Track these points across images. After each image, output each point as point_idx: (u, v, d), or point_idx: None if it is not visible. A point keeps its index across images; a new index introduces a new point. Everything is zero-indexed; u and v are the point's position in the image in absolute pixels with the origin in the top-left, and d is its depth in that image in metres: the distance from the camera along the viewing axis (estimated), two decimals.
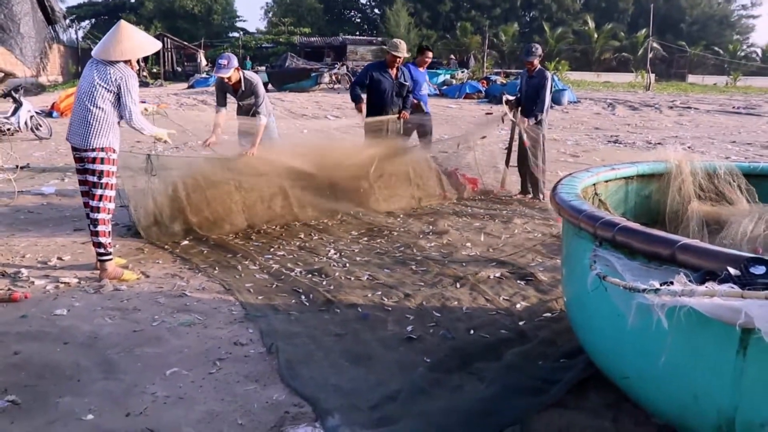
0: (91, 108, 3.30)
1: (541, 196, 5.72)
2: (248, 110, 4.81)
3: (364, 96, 5.45)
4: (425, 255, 4.04)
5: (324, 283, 3.46)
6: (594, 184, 2.76)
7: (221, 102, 4.83)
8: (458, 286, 3.41)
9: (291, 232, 4.60)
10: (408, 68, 5.60)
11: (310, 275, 3.59)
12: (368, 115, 5.52)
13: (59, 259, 3.80)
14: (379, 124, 5.37)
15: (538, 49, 5.63)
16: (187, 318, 2.98)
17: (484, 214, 5.26)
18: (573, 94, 18.26)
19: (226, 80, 4.67)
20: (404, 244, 4.29)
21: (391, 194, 5.45)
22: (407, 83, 5.51)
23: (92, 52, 3.34)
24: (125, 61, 3.32)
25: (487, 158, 6.28)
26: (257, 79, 4.83)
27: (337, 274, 3.60)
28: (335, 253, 4.07)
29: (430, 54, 6.05)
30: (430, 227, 4.77)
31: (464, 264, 3.80)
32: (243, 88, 4.73)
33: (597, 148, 9.20)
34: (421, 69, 5.92)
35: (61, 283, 3.39)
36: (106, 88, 3.29)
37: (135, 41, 3.33)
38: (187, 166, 4.47)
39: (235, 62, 4.68)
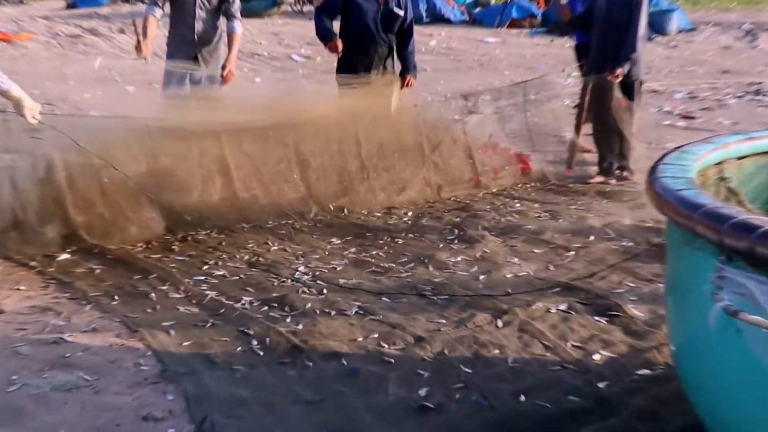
0: None
1: (626, 173, 5.77)
2: (208, 17, 5.11)
3: (336, 26, 5.45)
4: (448, 275, 4.05)
5: (288, 319, 3.46)
6: (719, 163, 2.75)
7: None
8: (500, 325, 3.40)
9: (236, 239, 4.63)
10: None
11: (265, 308, 3.60)
12: (341, 65, 5.49)
13: None
14: (363, 85, 5.39)
15: None
16: (66, 378, 2.95)
17: (541, 212, 5.27)
18: (686, 17, 17.13)
19: None
20: (414, 258, 4.31)
21: (394, 179, 5.50)
22: (402, 13, 5.39)
23: None
24: None
25: (547, 123, 6.32)
26: None
27: (308, 305, 3.60)
28: (306, 273, 4.09)
29: None
30: (456, 232, 4.78)
31: (509, 290, 3.80)
32: None
33: (725, 105, 9.20)
34: None
35: None
36: None
37: None
38: (71, 131, 4.45)
39: None
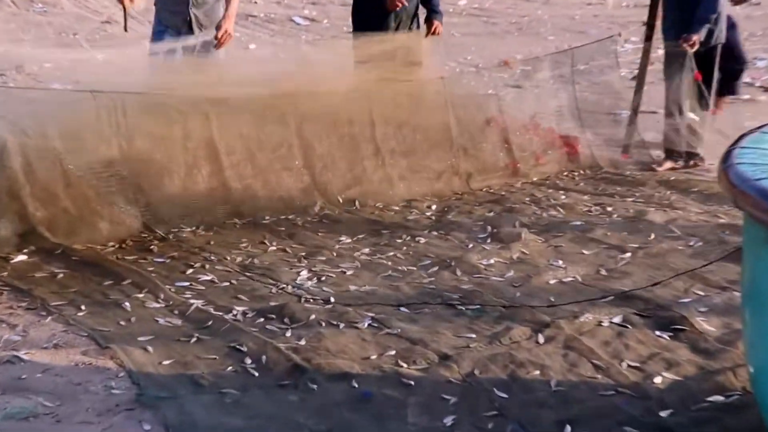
0: None
1: (696, 159, 5.75)
2: None
3: None
4: (478, 281, 4.05)
5: (288, 333, 3.46)
6: None
7: None
8: (541, 340, 3.39)
9: (226, 238, 4.65)
10: None
11: (261, 319, 3.61)
12: (356, 23, 5.58)
13: None
14: (382, 43, 5.45)
15: None
16: (22, 405, 2.93)
17: (591, 205, 5.26)
18: None
19: None
20: (439, 261, 4.32)
21: (415, 167, 5.52)
22: None
23: None
24: None
25: (599, 99, 6.30)
26: None
27: (312, 317, 3.60)
28: (309, 278, 4.09)
29: None
30: (489, 229, 4.79)
31: (552, 299, 3.80)
32: None
33: None
34: None
35: None
36: None
37: None
38: (27, 106, 4.47)
39: None
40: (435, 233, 4.75)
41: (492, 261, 4.31)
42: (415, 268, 4.22)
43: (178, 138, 4.79)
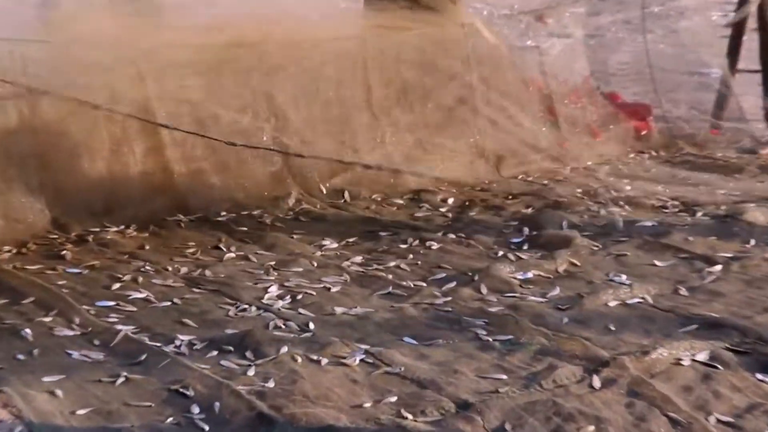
0: None
1: None
2: None
3: None
4: (511, 303, 4.05)
5: (251, 372, 3.45)
6: None
7: None
8: (597, 384, 3.37)
9: (167, 240, 4.68)
10: None
11: (214, 352, 3.60)
12: None
13: None
14: None
15: None
16: None
17: (668, 199, 5.27)
18: None
19: None
20: (457, 274, 4.33)
21: (427, 146, 5.56)
22: None
23: None
24: None
25: (680, 53, 6.26)
26: None
27: (284, 349, 3.59)
28: (281, 296, 4.10)
29: None
30: (525, 231, 4.82)
31: (611, 328, 3.80)
32: None
33: None
34: None
35: None
36: None
37: None
38: None
39: None
40: (452, 236, 4.75)
41: (530, 275, 4.30)
42: (424, 284, 4.22)
43: (99, 103, 4.76)
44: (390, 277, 4.30)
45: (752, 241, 4.64)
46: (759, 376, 3.43)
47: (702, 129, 6.09)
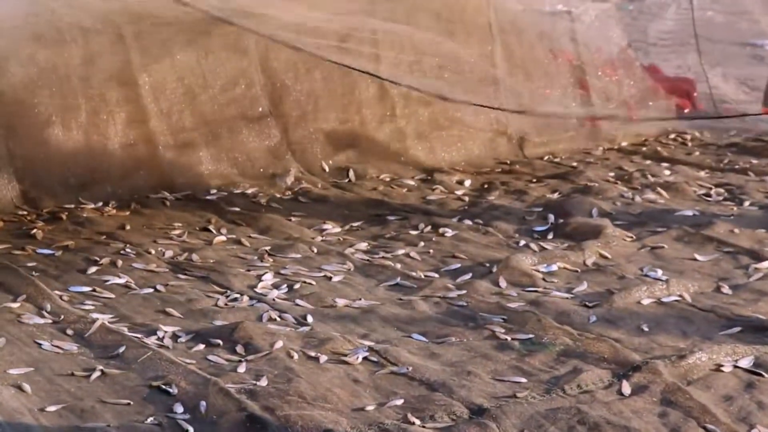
0: None
1: None
2: None
3: None
4: (533, 298, 4.07)
5: (242, 369, 3.46)
6: None
7: None
8: (626, 390, 3.37)
9: (150, 220, 4.68)
10: None
11: (201, 346, 3.62)
12: None
13: None
14: None
15: None
16: None
17: (711, 186, 5.27)
18: None
19: None
20: (473, 264, 4.34)
21: (441, 121, 5.58)
22: None
23: None
24: None
25: (731, 21, 6.22)
26: None
27: (278, 344, 3.60)
28: (276, 285, 4.12)
29: None
30: (551, 219, 4.83)
31: (644, 329, 3.81)
32: None
33: None
34: None
35: None
36: None
37: None
38: None
39: None
40: (468, 222, 4.76)
41: (554, 267, 4.32)
42: (437, 275, 4.22)
43: (75, 66, 4.78)
44: (398, 266, 4.30)
45: None
46: None
47: (754, 106, 6.05)
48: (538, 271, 4.28)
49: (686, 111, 5.99)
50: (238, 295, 4.01)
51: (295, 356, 3.52)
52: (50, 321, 3.76)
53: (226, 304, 3.95)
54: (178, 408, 3.20)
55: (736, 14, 6.33)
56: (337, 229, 4.66)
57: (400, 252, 4.45)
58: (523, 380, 3.43)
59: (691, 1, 6.13)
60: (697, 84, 6.13)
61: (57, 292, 3.96)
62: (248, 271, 4.23)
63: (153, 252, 4.36)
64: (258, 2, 4.70)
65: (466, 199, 5.11)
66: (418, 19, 5.58)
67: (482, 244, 4.55)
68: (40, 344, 3.59)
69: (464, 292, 4.09)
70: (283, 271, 4.22)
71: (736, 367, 3.52)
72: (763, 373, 3.49)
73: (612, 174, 5.40)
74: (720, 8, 6.24)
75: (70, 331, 3.68)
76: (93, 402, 3.26)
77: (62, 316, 3.78)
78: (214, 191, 4.98)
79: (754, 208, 4.99)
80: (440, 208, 4.98)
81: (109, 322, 3.73)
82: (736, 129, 5.97)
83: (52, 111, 4.75)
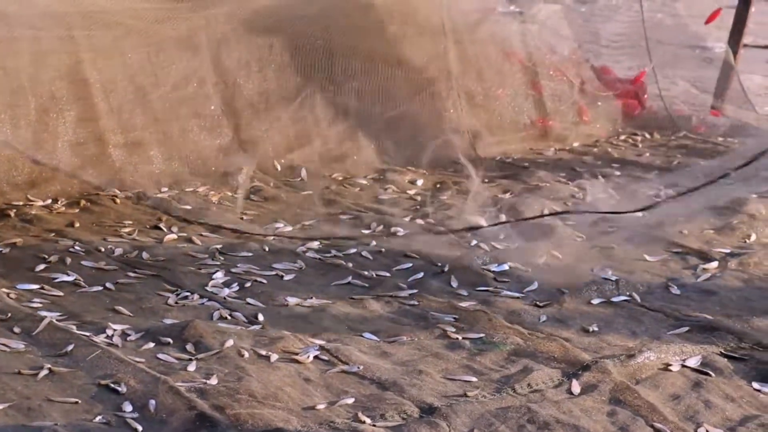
0: None
1: None
2: None
3: None
4: (484, 297, 4.08)
5: (192, 368, 3.45)
6: None
7: None
8: (576, 389, 3.39)
9: (100, 217, 4.66)
10: None
11: (150, 344, 3.60)
12: None
13: None
14: None
15: None
16: None
17: (661, 187, 5.29)
18: None
19: None
20: (425, 264, 4.34)
21: (393, 121, 5.56)
22: None
23: None
24: None
25: (679, 23, 6.25)
26: None
27: (229, 342, 3.60)
28: (227, 284, 4.12)
29: None
30: (501, 217, 4.80)
31: (594, 328, 3.84)
32: None
33: None
34: None
35: None
36: None
37: None
38: None
39: None
40: (420, 222, 4.77)
41: (506, 267, 4.33)
42: (388, 274, 4.24)
43: (24, 67, 4.76)
44: (350, 265, 4.31)
45: (753, 236, 4.70)
46: (755, 385, 3.48)
47: (703, 110, 6.09)
48: (490, 271, 4.29)
49: (637, 112, 6.01)
50: (188, 294, 4.01)
51: (246, 355, 3.52)
52: None
53: (176, 303, 3.94)
54: (127, 407, 3.19)
55: (686, 17, 6.37)
56: (289, 228, 4.66)
57: (352, 251, 4.46)
58: (474, 379, 3.44)
59: (641, 3, 6.16)
60: (648, 86, 6.15)
61: (4, 289, 3.93)
62: (199, 269, 4.23)
63: (103, 250, 4.34)
64: None
65: (419, 198, 5.12)
66: (369, 17, 5.57)
67: (435, 243, 4.56)
68: None
69: (416, 291, 4.11)
70: (234, 270, 4.22)
71: (684, 366, 3.56)
72: (711, 373, 3.53)
73: (563, 174, 5.43)
74: (669, 11, 6.27)
75: (17, 329, 3.66)
76: (40, 401, 3.23)
77: (9, 314, 3.74)
78: (165, 189, 4.95)
79: (705, 210, 5.03)
80: (392, 207, 4.99)
81: (57, 320, 3.71)
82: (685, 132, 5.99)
83: (0, 108, 4.71)
